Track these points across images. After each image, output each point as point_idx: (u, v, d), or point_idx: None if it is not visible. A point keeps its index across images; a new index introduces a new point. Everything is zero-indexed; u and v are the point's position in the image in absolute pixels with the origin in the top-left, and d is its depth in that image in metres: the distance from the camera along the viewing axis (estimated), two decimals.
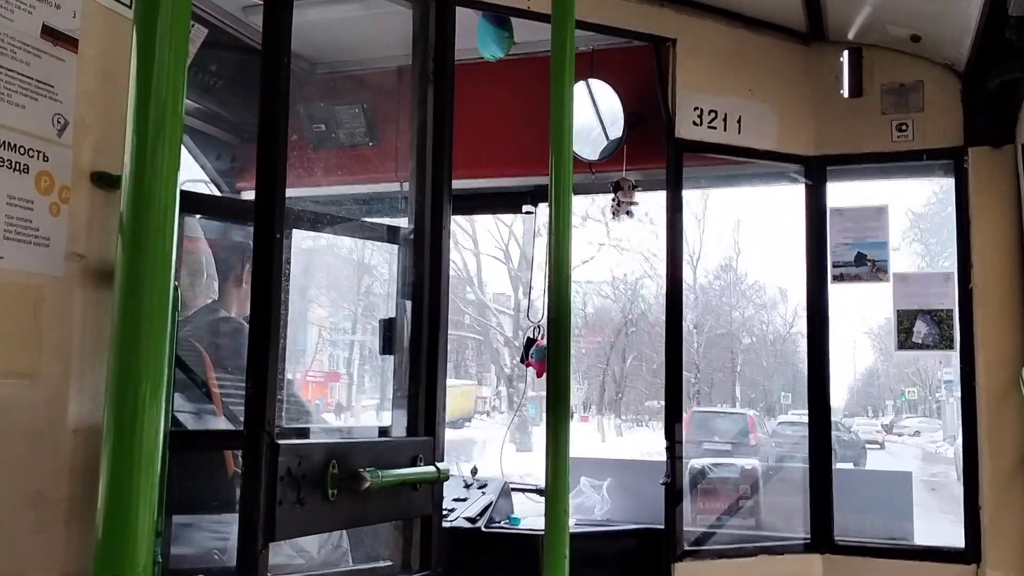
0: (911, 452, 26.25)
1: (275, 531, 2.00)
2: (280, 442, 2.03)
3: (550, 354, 1.74)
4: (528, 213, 3.62)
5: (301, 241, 2.89)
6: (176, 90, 0.75)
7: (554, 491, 1.71)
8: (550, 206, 1.87)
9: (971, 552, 3.03)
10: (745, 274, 30.92)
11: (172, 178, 0.77)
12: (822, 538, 3.21)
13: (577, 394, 30.99)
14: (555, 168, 1.73)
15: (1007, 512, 2.95)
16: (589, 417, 31.11)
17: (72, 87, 1.95)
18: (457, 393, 26.37)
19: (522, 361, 3.52)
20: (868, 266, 3.25)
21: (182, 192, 2.50)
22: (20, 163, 1.90)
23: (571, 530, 3.39)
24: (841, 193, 3.43)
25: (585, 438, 24.04)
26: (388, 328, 2.75)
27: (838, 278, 3.30)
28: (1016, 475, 2.92)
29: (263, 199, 2.06)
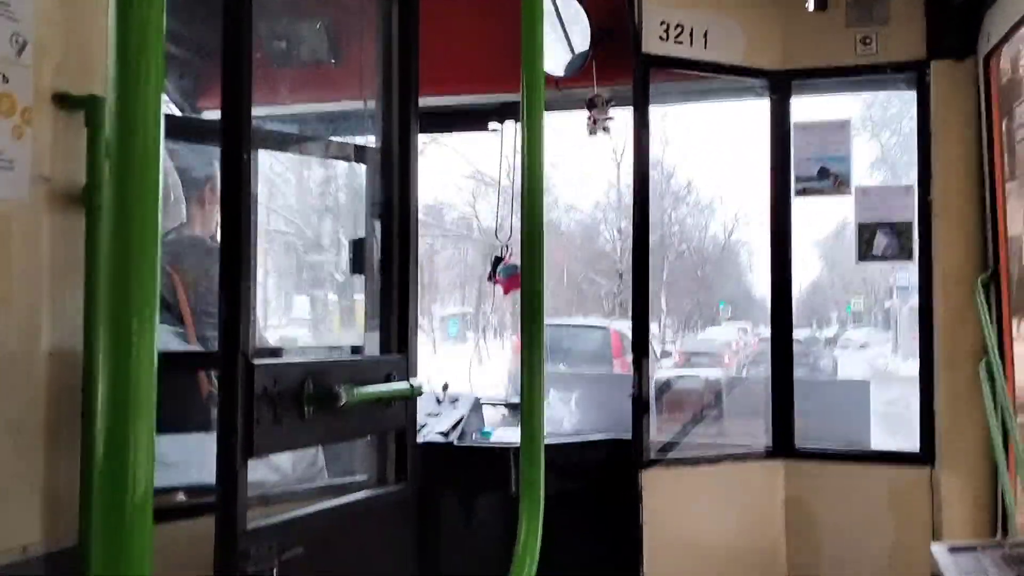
0: (859, 369, 23.26)
1: (253, 449, 2.03)
2: (256, 362, 2.05)
3: (524, 270, 1.76)
4: (494, 131, 3.60)
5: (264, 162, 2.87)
6: (159, 7, 0.75)
7: (529, 405, 1.77)
8: (522, 123, 1.88)
9: (926, 455, 3.16)
10: (673, 169, 27.33)
11: (156, 99, 0.77)
12: (783, 445, 3.32)
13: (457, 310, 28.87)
14: (527, 84, 1.73)
15: (961, 419, 3.07)
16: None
17: (29, 5, 1.90)
18: None
19: (489, 279, 3.55)
20: (831, 180, 3.30)
21: None
22: None
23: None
24: (806, 108, 3.45)
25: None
26: (358, 248, 2.75)
27: (801, 192, 3.35)
28: (971, 384, 3.03)
29: (229, 119, 2.04)
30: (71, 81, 2.02)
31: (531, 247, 1.72)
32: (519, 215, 1.89)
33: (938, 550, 1.41)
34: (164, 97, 3.56)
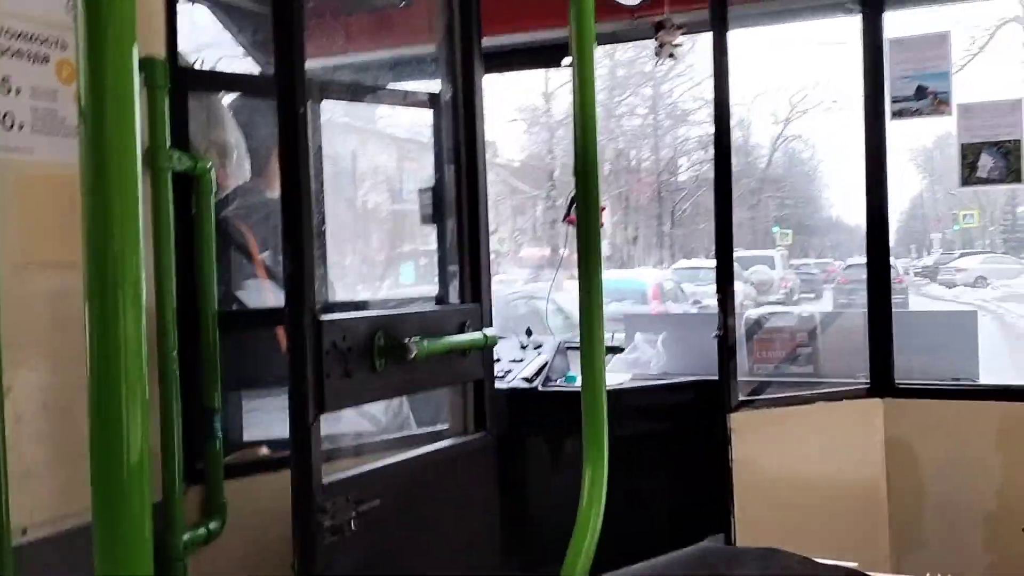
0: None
1: (324, 404, 2.04)
2: (323, 317, 2.04)
3: (579, 207, 1.69)
4: (568, 67, 3.48)
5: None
6: None
7: (589, 350, 1.71)
8: (573, 56, 1.79)
9: None
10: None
11: (129, 33, 0.72)
12: (882, 382, 3.17)
13: None
14: (577, 14, 1.64)
15: None
16: None
17: None
18: None
19: (564, 220, 3.46)
20: (929, 99, 3.07)
21: (204, 72, 2.43)
22: (39, 53, 1.87)
23: (626, 385, 3.43)
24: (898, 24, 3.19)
25: None
26: (428, 196, 2.72)
27: (897, 114, 3.13)
28: None
29: (283, 72, 2.01)
30: None
31: (586, 183, 1.65)
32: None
33: None
34: (241, 52, 3.55)
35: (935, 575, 1.41)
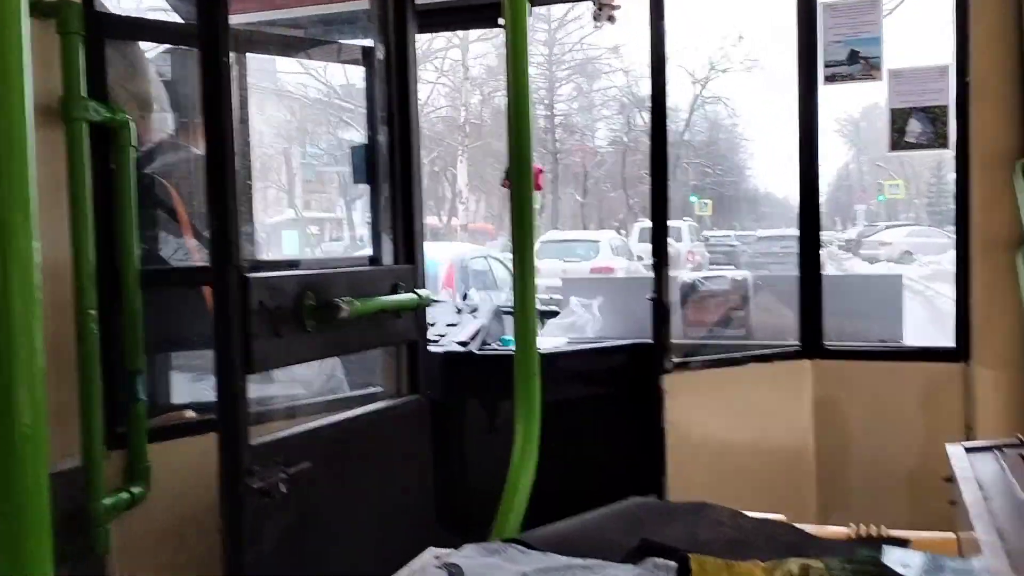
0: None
1: (252, 364, 1.98)
2: (249, 275, 1.98)
3: (513, 174, 1.67)
4: (503, 26, 3.42)
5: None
6: None
7: (522, 314, 1.69)
8: (506, 15, 1.75)
9: (960, 350, 3.04)
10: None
11: None
12: (812, 344, 3.21)
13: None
14: None
15: (997, 311, 2.93)
16: None
17: None
18: None
19: (503, 184, 3.42)
20: (861, 64, 3.09)
21: (122, 18, 2.31)
22: None
23: (562, 349, 3.41)
24: None
25: None
26: (360, 155, 2.66)
27: (830, 79, 3.14)
28: (1007, 274, 2.88)
29: (205, 19, 1.93)
30: None
31: (519, 147, 1.61)
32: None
33: (953, 451, 1.32)
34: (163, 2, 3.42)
35: (859, 526, 1.43)
